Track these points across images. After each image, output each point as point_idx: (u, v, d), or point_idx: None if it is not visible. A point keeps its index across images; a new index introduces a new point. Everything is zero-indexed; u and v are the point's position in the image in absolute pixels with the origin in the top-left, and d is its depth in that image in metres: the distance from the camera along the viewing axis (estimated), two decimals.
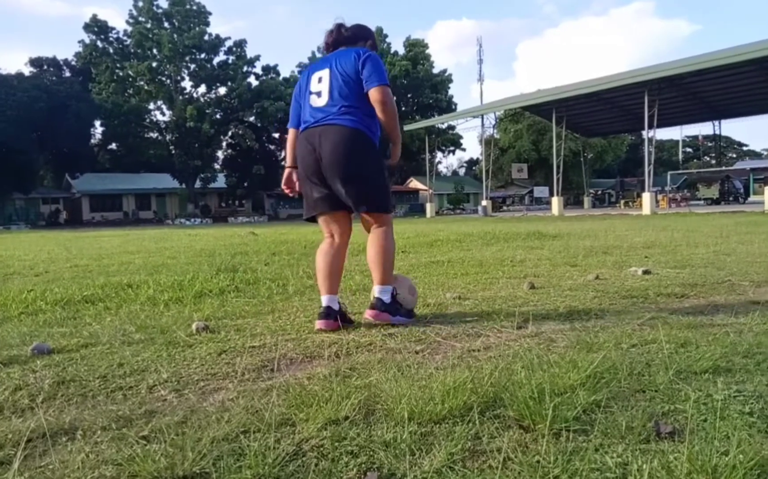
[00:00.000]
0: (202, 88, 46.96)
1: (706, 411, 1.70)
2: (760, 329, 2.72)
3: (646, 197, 25.34)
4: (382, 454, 1.49)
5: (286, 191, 3.26)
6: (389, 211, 3.14)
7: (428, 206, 38.34)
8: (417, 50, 50.81)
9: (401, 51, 51.66)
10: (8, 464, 1.50)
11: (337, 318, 2.98)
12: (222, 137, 49.15)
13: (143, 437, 1.64)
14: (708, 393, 1.84)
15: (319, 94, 3.02)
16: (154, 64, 44.66)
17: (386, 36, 51.85)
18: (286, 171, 3.24)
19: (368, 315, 3.04)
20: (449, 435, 1.59)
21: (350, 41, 3.15)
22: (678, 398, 1.82)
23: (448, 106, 52.54)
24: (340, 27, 3.16)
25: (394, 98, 3.07)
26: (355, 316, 3.32)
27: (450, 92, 53.91)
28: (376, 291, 3.04)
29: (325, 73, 3.03)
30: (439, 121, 42.99)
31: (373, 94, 2.93)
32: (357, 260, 6.74)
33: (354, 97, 2.96)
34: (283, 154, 53.47)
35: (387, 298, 3.02)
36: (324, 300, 3.03)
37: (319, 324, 2.97)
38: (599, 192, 47.94)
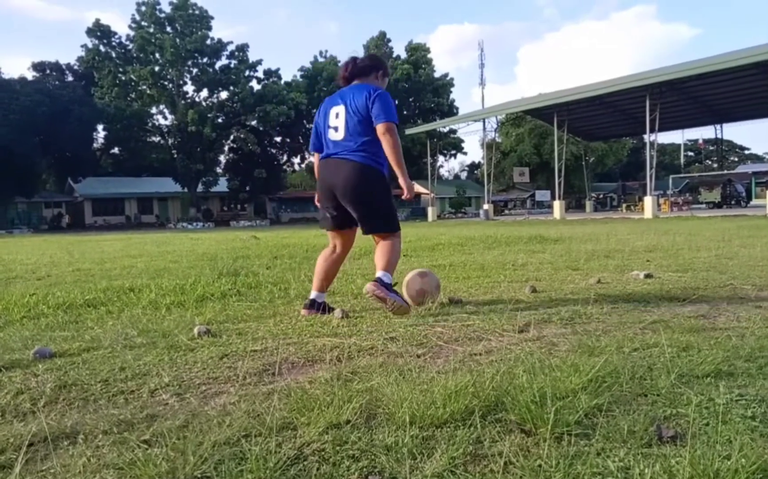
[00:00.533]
0: (204, 92, 47.06)
1: (708, 415, 1.70)
2: (763, 333, 2.71)
3: (648, 201, 25.31)
4: (384, 458, 1.49)
5: (318, 205, 3.71)
6: (395, 231, 3.52)
7: (430, 210, 38.32)
8: (418, 54, 50.88)
9: (403, 55, 51.74)
10: (10, 468, 1.50)
11: (318, 309, 3.51)
12: (224, 141, 49.20)
13: (145, 441, 1.65)
14: (710, 397, 1.84)
15: (336, 129, 3.44)
16: (157, 69, 44.73)
17: (389, 40, 52.06)
18: (318, 190, 3.67)
19: (368, 286, 3.35)
20: (451, 439, 1.59)
21: (364, 73, 3.53)
22: (680, 402, 1.82)
23: (449, 110, 52.56)
24: (354, 60, 3.55)
25: (397, 133, 3.37)
26: (356, 318, 3.32)
27: (452, 96, 53.99)
28: (378, 273, 3.39)
29: (341, 110, 3.42)
30: (441, 125, 43.05)
31: (379, 129, 3.30)
32: (359, 264, 6.75)
33: (366, 133, 3.35)
34: (285, 157, 53.69)
35: (387, 280, 3.37)
36: (312, 294, 3.62)
37: (303, 311, 3.54)
38: (601, 196, 47.90)
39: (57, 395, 2.09)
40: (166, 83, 45.86)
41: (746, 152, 74.67)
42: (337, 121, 3.44)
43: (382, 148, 3.34)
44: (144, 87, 46.01)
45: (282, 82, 48.71)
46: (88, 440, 1.67)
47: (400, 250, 3.56)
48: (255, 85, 47.22)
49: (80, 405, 2.00)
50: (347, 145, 3.39)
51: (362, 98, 3.35)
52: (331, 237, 3.68)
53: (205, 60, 45.44)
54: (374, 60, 3.62)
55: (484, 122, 37.13)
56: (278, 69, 49.31)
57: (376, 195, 3.43)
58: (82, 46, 45.93)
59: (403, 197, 3.54)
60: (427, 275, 3.76)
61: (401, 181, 3.46)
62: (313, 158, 3.78)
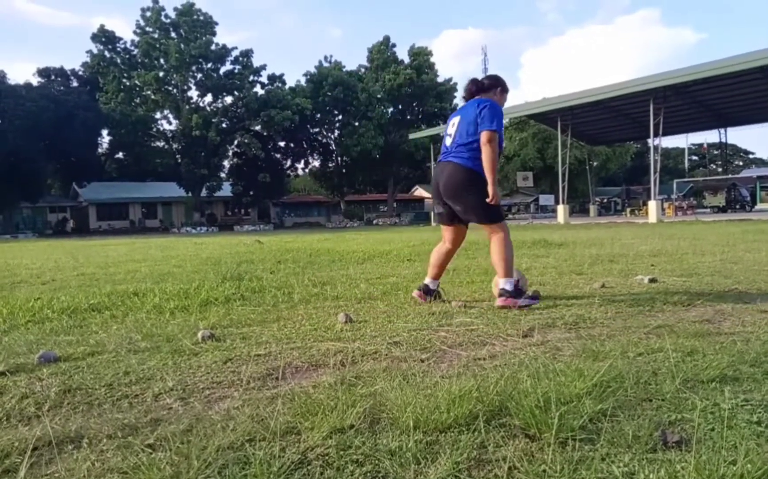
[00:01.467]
0: (209, 98, 47.15)
1: (713, 421, 1.69)
2: None
3: (652, 205, 25.24)
4: (388, 463, 1.49)
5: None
6: (498, 220, 3.87)
7: (433, 214, 38.35)
8: (421, 59, 50.88)
9: (406, 59, 51.76)
10: (14, 472, 1.51)
11: (431, 295, 4.02)
12: (228, 146, 49.32)
13: (149, 445, 1.65)
14: (715, 402, 1.83)
15: (450, 135, 3.96)
16: (161, 74, 44.88)
17: (393, 45, 52.01)
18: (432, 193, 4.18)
19: (498, 302, 3.70)
20: (455, 443, 1.59)
21: (485, 89, 3.98)
22: (685, 407, 1.81)
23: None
24: (476, 80, 4.03)
25: (496, 143, 3.70)
26: (360, 323, 3.32)
27: (455, 101, 53.84)
28: (500, 282, 3.76)
29: (457, 120, 3.93)
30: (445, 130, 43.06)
31: (482, 137, 3.69)
32: (362, 269, 6.75)
33: (469, 139, 3.77)
34: (289, 162, 53.76)
35: (510, 287, 3.71)
36: (426, 280, 4.10)
37: (416, 294, 4.03)
38: (605, 200, 47.81)
39: (61, 399, 2.10)
40: (170, 88, 46.02)
41: (751, 156, 74.50)
42: (452, 129, 3.95)
43: (479, 149, 3.73)
44: (148, 92, 46.19)
45: (286, 87, 48.81)
46: (93, 444, 1.67)
47: (510, 244, 3.83)
48: (259, 90, 47.35)
49: (84, 409, 2.00)
50: (453, 150, 3.88)
51: (474, 108, 3.80)
52: (444, 232, 4.13)
53: (209, 65, 45.57)
54: (494, 79, 4.04)
55: None
56: (282, 74, 49.47)
57: (471, 192, 3.79)
58: (87, 52, 46.18)
59: (488, 200, 3.77)
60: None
61: (489, 188, 3.73)
62: None
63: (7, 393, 2.17)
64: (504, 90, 4.03)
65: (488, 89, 3.98)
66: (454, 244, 4.14)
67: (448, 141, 3.96)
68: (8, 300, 4.53)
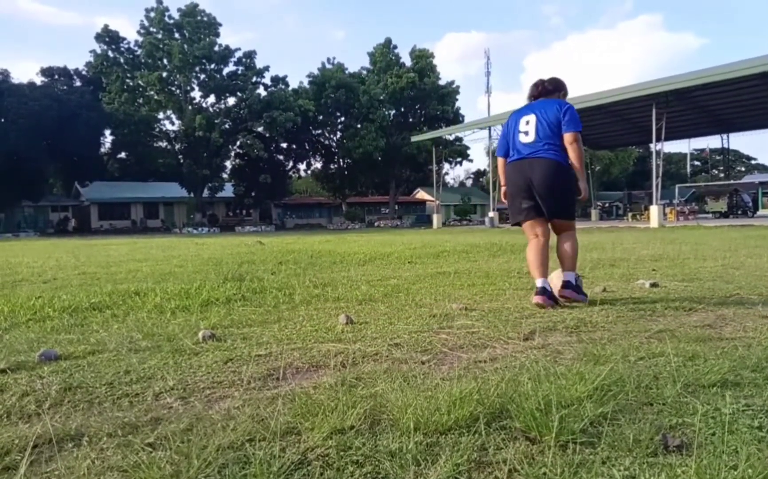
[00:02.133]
0: (212, 98, 47.23)
1: (714, 425, 1.69)
2: None
3: (654, 210, 25.21)
4: (388, 464, 1.49)
5: (504, 200, 4.36)
6: (574, 218, 4.16)
7: (435, 217, 38.31)
8: (424, 62, 50.88)
9: (408, 61, 51.80)
10: (14, 469, 1.51)
11: (551, 296, 3.86)
12: (230, 147, 49.34)
13: (149, 444, 1.65)
14: (716, 407, 1.83)
15: (527, 133, 4.03)
16: (165, 74, 44.96)
17: (395, 47, 52.03)
18: (503, 189, 4.35)
19: (563, 293, 3.94)
20: (455, 445, 1.59)
21: (550, 92, 4.16)
22: (686, 411, 1.81)
23: (455, 118, 52.51)
24: (543, 82, 4.20)
25: (581, 142, 3.97)
26: (361, 324, 3.32)
27: (457, 104, 53.79)
28: (565, 275, 3.99)
29: (531, 118, 4.03)
30: (447, 133, 43.01)
31: (568, 137, 3.90)
32: (363, 270, 6.75)
33: (554, 137, 3.94)
34: (291, 164, 53.85)
35: (573, 280, 3.98)
36: (539, 282, 3.92)
37: (536, 299, 3.85)
38: (607, 204, 47.72)
39: (62, 397, 2.10)
40: (173, 89, 46.09)
41: (753, 162, 74.43)
42: (527, 127, 4.03)
43: (565, 151, 3.93)
44: (152, 92, 46.26)
45: (289, 88, 48.88)
46: (93, 442, 1.67)
47: (578, 243, 4.12)
48: (262, 92, 47.41)
49: (85, 407, 2.01)
50: (539, 146, 3.96)
51: (553, 110, 3.97)
52: (530, 229, 4.12)
53: (212, 66, 45.66)
54: (559, 81, 4.23)
55: (489, 130, 37.11)
56: (285, 76, 49.60)
57: (567, 185, 4.01)
58: (90, 52, 46.24)
59: (580, 197, 4.10)
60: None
61: (581, 184, 4.04)
62: (498, 163, 4.42)
63: (7, 391, 2.17)
64: (566, 93, 4.25)
65: (554, 92, 4.18)
66: (546, 235, 4.10)
67: (523, 138, 4.05)
68: (9, 299, 4.54)
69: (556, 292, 3.95)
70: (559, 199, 3.98)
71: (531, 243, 4.11)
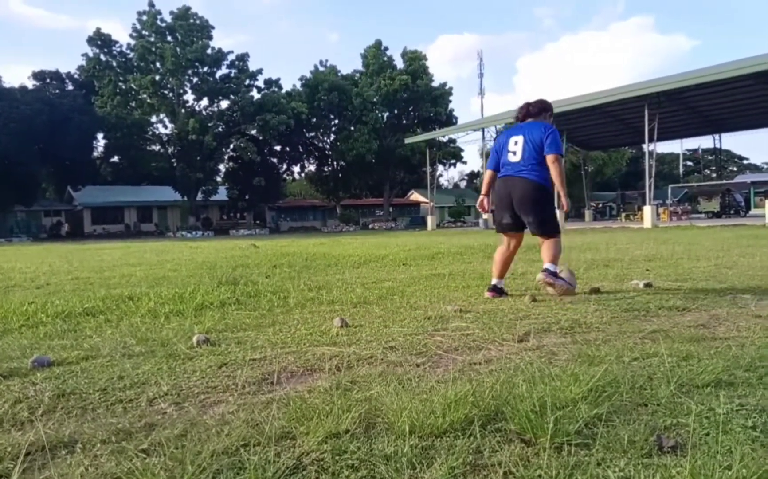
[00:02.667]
0: (205, 101, 47.03)
1: (708, 425, 1.70)
2: (763, 342, 2.71)
3: (647, 210, 25.31)
4: (383, 468, 1.48)
5: (479, 209, 4.82)
6: (557, 234, 4.47)
7: (429, 219, 38.33)
8: (416, 65, 50.93)
9: (399, 62, 51.85)
10: (7, 477, 1.50)
11: (499, 292, 4.49)
12: (224, 150, 49.18)
13: (143, 450, 1.64)
14: (710, 407, 1.84)
15: (515, 153, 4.45)
16: (157, 78, 44.75)
17: (386, 48, 52.03)
18: (481, 197, 4.84)
19: (541, 276, 4.32)
20: (450, 448, 1.59)
21: (536, 113, 4.58)
22: (680, 412, 1.82)
23: (448, 120, 52.57)
24: (528, 105, 4.62)
25: (562, 162, 4.38)
26: (355, 327, 3.31)
27: (450, 105, 53.84)
28: (546, 265, 4.35)
29: (520, 139, 4.45)
30: (440, 134, 43.06)
31: (550, 158, 4.31)
32: (358, 273, 6.75)
33: (538, 159, 4.34)
34: (284, 166, 53.76)
35: (552, 269, 4.34)
36: (493, 280, 4.58)
37: (487, 294, 4.46)
38: (600, 205, 47.88)
39: (55, 404, 2.09)
40: (166, 92, 45.91)
41: (745, 162, 74.88)
42: (515, 147, 4.45)
43: (548, 170, 4.34)
44: (144, 96, 46.06)
45: (282, 91, 48.79)
46: (86, 449, 1.66)
47: (561, 246, 4.50)
48: (255, 95, 47.31)
49: (78, 414, 1.99)
50: (523, 167, 4.38)
51: (539, 132, 4.38)
52: (506, 238, 4.67)
53: (205, 69, 45.51)
54: (544, 104, 4.64)
55: (483, 131, 37.20)
56: (278, 79, 49.42)
57: (545, 205, 4.43)
58: (82, 55, 45.94)
59: (564, 210, 4.59)
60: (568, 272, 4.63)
61: (563, 199, 4.52)
62: (485, 174, 4.85)
63: (0, 398, 2.15)
64: (552, 114, 4.67)
65: (539, 113, 4.58)
66: (516, 247, 4.71)
67: (511, 157, 4.47)
68: (2, 305, 4.50)
69: (537, 278, 4.46)
70: (537, 215, 4.39)
71: (500, 248, 4.70)
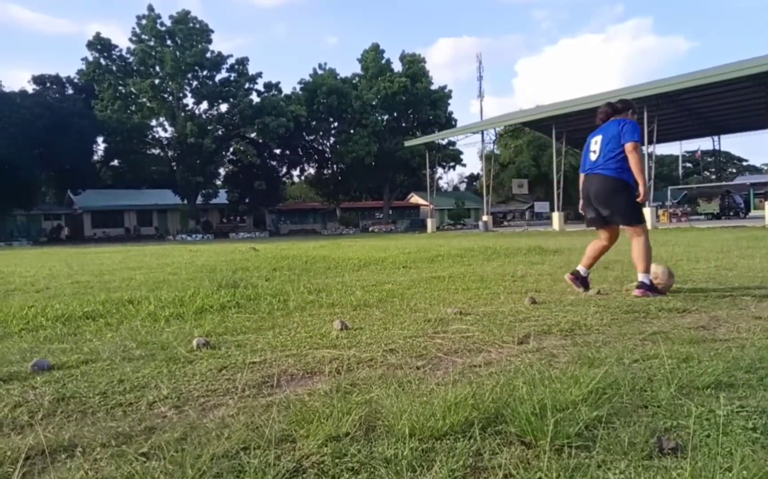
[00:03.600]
0: (204, 105, 47.08)
1: (708, 427, 1.69)
2: (763, 344, 2.71)
3: (647, 212, 25.31)
4: (383, 471, 1.48)
5: (582, 212, 4.99)
6: (640, 222, 4.52)
7: (429, 221, 38.33)
8: (415, 67, 51.00)
9: (398, 66, 51.92)
10: None
11: (581, 281, 4.69)
12: (224, 153, 49.24)
13: (143, 454, 1.64)
14: (710, 409, 1.84)
15: (594, 152, 4.67)
16: (157, 81, 44.78)
17: (383, 51, 52.04)
18: (581, 201, 4.94)
19: (637, 292, 4.32)
20: (450, 451, 1.59)
21: (619, 112, 4.67)
22: (680, 413, 1.82)
23: (447, 122, 52.64)
24: (610, 105, 4.78)
25: (640, 151, 4.43)
26: (355, 330, 3.31)
27: (449, 108, 53.92)
28: (640, 276, 4.39)
29: (599, 138, 4.64)
30: (440, 137, 43.09)
31: (627, 147, 4.38)
32: (358, 276, 6.74)
33: (614, 154, 4.46)
34: (284, 169, 53.84)
35: (647, 281, 4.36)
36: (580, 268, 4.76)
37: (568, 276, 4.77)
38: None
39: (55, 408, 2.08)
40: (166, 96, 45.94)
41: (744, 163, 74.92)
42: (595, 146, 4.66)
43: (625, 162, 4.40)
44: (144, 99, 46.07)
45: (282, 94, 48.84)
46: (86, 453, 1.66)
47: (650, 245, 4.49)
48: (255, 98, 47.35)
49: (78, 417, 1.99)
50: (600, 163, 4.56)
51: (615, 127, 4.52)
52: (599, 232, 4.80)
53: (205, 73, 45.56)
54: (627, 102, 4.76)
55: (482, 134, 37.22)
56: (278, 82, 49.40)
57: (619, 197, 4.49)
58: (82, 59, 45.96)
59: (639, 199, 4.48)
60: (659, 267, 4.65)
61: (641, 188, 4.46)
62: (580, 177, 4.95)
63: (0, 402, 2.15)
64: (635, 112, 4.73)
65: (622, 111, 4.67)
66: (610, 241, 4.79)
67: (592, 156, 4.67)
68: (2, 308, 4.50)
69: (655, 281, 4.43)
70: (612, 208, 4.54)
71: (595, 240, 4.89)
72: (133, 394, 2.22)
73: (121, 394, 2.22)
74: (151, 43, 44.48)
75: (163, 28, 44.49)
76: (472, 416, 1.79)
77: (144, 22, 44.33)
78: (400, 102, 50.53)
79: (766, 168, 71.52)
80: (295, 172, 56.25)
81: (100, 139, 47.58)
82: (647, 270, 4.40)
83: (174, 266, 9.37)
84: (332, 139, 52.14)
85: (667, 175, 63.96)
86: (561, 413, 1.76)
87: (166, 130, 48.25)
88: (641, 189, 4.48)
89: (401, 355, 2.74)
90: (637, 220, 4.52)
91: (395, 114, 52.46)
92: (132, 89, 45.35)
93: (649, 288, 4.32)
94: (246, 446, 1.66)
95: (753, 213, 36.16)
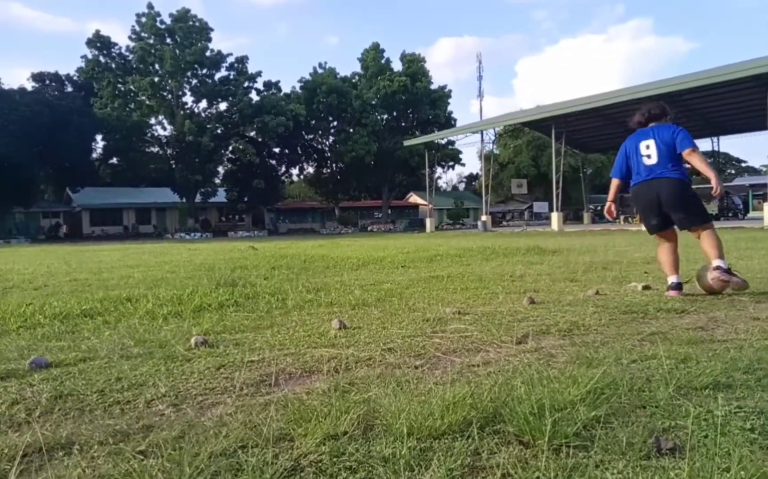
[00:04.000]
0: (204, 103, 46.99)
1: (706, 427, 1.69)
2: (761, 345, 2.71)
3: None
4: (381, 470, 1.48)
5: (607, 215, 5.06)
6: (708, 222, 4.59)
7: (428, 221, 38.34)
8: (415, 67, 50.98)
9: (398, 65, 51.91)
10: (4, 478, 1.49)
11: (680, 288, 4.50)
12: (223, 152, 49.17)
13: (140, 452, 1.63)
14: (709, 409, 1.84)
15: (649, 156, 4.58)
16: (156, 80, 44.72)
17: (383, 50, 51.95)
18: (609, 203, 5.04)
19: (716, 274, 4.30)
20: (448, 450, 1.59)
21: (658, 118, 4.72)
22: (678, 414, 1.82)
23: (447, 122, 52.63)
24: (650, 109, 4.78)
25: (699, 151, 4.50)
26: (354, 329, 3.31)
27: (449, 108, 53.94)
28: (716, 262, 4.34)
29: (651, 142, 4.58)
30: (439, 137, 43.08)
31: (687, 152, 4.45)
32: (357, 275, 6.74)
33: (673, 158, 4.50)
34: (283, 168, 53.78)
35: (725, 265, 4.34)
36: (671, 279, 4.57)
37: (671, 293, 4.45)
38: (599, 207, 47.91)
39: (52, 405, 2.08)
40: (165, 94, 45.88)
41: (743, 165, 74.98)
42: (648, 151, 4.59)
43: (683, 166, 4.53)
44: (143, 98, 46.01)
45: (281, 93, 48.80)
46: (84, 451, 1.66)
47: (719, 236, 4.53)
48: (254, 97, 47.31)
49: (76, 415, 1.99)
50: (663, 167, 4.51)
51: (668, 133, 4.55)
52: (659, 237, 4.77)
53: (204, 71, 45.50)
54: (663, 108, 4.80)
55: (482, 134, 37.23)
56: (278, 81, 49.43)
57: (690, 198, 4.57)
58: (82, 57, 45.92)
59: (714, 193, 4.50)
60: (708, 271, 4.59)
61: (714, 182, 4.44)
62: (613, 183, 4.99)
63: None
64: (671, 118, 4.82)
65: (660, 117, 4.73)
66: (674, 240, 4.78)
67: (647, 161, 4.61)
68: (0, 306, 4.49)
69: (709, 278, 4.41)
70: (686, 209, 4.56)
71: (662, 246, 4.77)
72: (130, 392, 2.22)
73: (119, 392, 2.22)
74: (151, 41, 44.42)
75: (163, 26, 44.43)
76: (471, 415, 1.78)
77: (144, 20, 44.27)
78: (400, 101, 50.50)
79: (764, 169, 71.55)
80: (294, 171, 56.24)
81: (99, 137, 47.55)
82: (722, 256, 4.41)
83: (172, 264, 9.36)
84: (332, 138, 52.12)
85: None
86: (559, 413, 1.76)
87: (165, 129, 48.22)
88: (714, 182, 4.47)
89: (399, 354, 2.74)
90: (708, 218, 4.63)
91: (395, 113, 52.43)
92: (131, 87, 45.28)
93: (727, 271, 4.34)
94: (244, 444, 1.65)
95: (752, 214, 36.22)
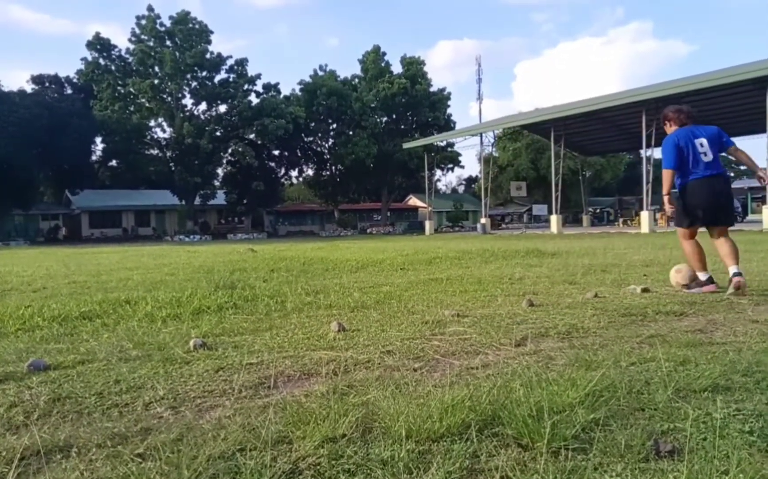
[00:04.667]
0: (203, 106, 47.00)
1: (705, 430, 1.69)
2: (759, 347, 2.71)
3: (645, 215, 25.38)
4: (380, 472, 1.48)
5: (668, 208, 5.19)
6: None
7: (427, 223, 38.34)
8: (415, 69, 51.02)
9: (398, 68, 51.97)
10: None
11: (715, 282, 4.81)
12: (222, 154, 49.16)
13: (139, 455, 1.63)
14: (707, 412, 1.84)
15: (705, 154, 4.82)
16: (156, 82, 44.74)
17: (384, 53, 52.01)
18: (667, 196, 5.15)
19: (740, 279, 4.51)
20: (447, 453, 1.58)
21: (695, 119, 5.05)
22: (677, 416, 1.82)
23: (446, 125, 52.64)
24: (689, 111, 5.10)
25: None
26: (353, 332, 3.31)
27: (448, 110, 53.92)
28: (735, 269, 4.59)
29: (704, 141, 4.83)
30: (438, 139, 43.10)
31: (733, 148, 4.91)
32: (356, 277, 6.74)
33: (719, 157, 4.82)
34: (283, 171, 53.79)
35: (741, 272, 4.57)
36: (703, 276, 4.90)
37: (708, 288, 4.76)
38: (598, 210, 48.02)
39: (51, 408, 2.08)
40: (165, 96, 45.88)
41: (742, 168, 75.05)
42: (703, 149, 4.83)
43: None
44: (143, 100, 46.00)
45: (281, 96, 48.83)
46: (82, 453, 1.66)
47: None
48: (254, 99, 47.34)
49: (74, 418, 1.98)
50: (718, 166, 4.81)
51: (715, 133, 4.89)
52: (694, 231, 5.07)
53: (204, 73, 45.53)
54: (692, 111, 5.15)
55: (481, 136, 37.26)
56: (277, 83, 49.39)
57: (733, 197, 4.87)
58: (81, 59, 45.93)
59: (763, 183, 4.93)
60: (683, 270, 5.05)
61: (760, 173, 4.82)
62: (668, 173, 5.01)
63: None
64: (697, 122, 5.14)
65: (695, 119, 5.08)
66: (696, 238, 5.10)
67: (704, 158, 4.81)
68: None
69: (674, 283, 4.94)
70: (732, 209, 4.97)
71: (692, 242, 5.07)
72: (129, 395, 2.22)
73: (118, 395, 2.22)
74: (151, 44, 44.46)
75: (163, 29, 44.47)
76: (469, 418, 1.78)
77: (144, 22, 44.30)
78: (399, 104, 50.54)
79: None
80: (294, 174, 56.26)
81: (98, 139, 47.50)
82: (739, 263, 4.68)
83: (171, 267, 9.36)
84: (331, 141, 52.13)
85: None
86: (558, 415, 1.76)
87: (164, 131, 48.22)
88: (759, 173, 4.81)
89: (398, 357, 2.73)
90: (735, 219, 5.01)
91: (394, 116, 52.46)
92: (131, 89, 45.30)
93: (740, 274, 4.59)
94: (242, 447, 1.65)
95: (750, 217, 36.26)
